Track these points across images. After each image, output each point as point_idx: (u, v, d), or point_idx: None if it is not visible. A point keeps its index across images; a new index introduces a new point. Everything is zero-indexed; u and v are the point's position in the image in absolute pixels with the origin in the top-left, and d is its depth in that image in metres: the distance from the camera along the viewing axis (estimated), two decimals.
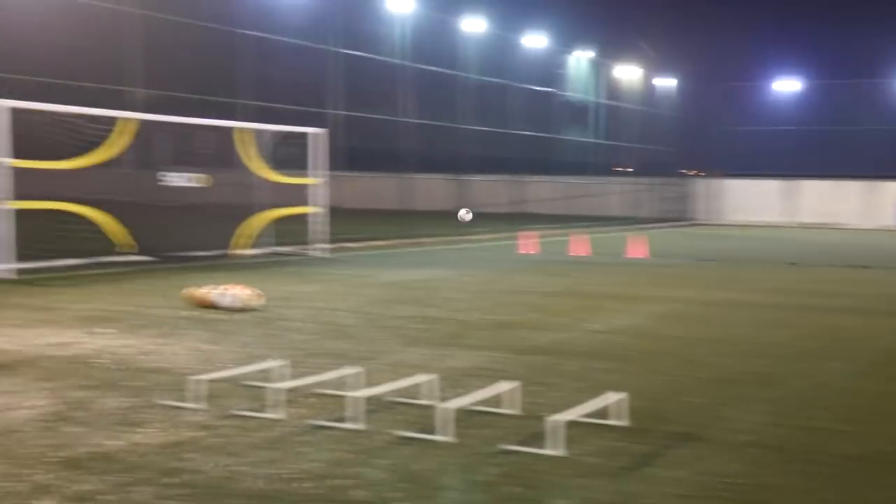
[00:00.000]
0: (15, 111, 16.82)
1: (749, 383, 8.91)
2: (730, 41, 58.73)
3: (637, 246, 25.46)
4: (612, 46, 45.56)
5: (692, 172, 49.50)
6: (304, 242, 23.34)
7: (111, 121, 18.75)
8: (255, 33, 24.51)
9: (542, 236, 29.19)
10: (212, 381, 7.84)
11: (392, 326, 11.95)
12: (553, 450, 6.36)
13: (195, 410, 7.35)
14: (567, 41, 40.52)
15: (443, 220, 32.10)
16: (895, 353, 10.95)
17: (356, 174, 29.94)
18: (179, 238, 20.50)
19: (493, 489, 5.69)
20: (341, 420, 7.09)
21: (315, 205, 23.12)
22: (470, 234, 31.34)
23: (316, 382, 8.05)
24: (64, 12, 19.92)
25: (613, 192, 43.78)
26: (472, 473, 5.97)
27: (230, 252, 21.30)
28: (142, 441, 6.53)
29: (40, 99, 18.07)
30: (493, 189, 38.35)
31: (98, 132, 18.38)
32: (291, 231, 23.31)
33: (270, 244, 22.99)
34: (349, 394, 7.39)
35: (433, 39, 31.46)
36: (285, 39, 26.16)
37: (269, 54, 25.03)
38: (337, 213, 25.03)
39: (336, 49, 27.13)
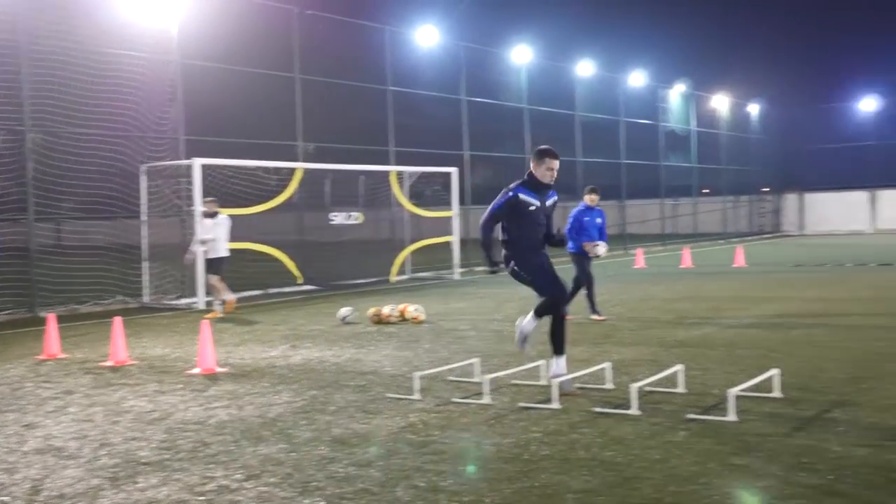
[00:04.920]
0: (205, 167, 18.03)
1: (878, 361, 9.28)
2: (814, 67, 58.24)
3: (739, 256, 25.62)
4: (706, 78, 45.95)
5: (768, 189, 49.34)
6: (438, 268, 24.24)
7: (283, 171, 19.97)
8: (399, 89, 25.52)
9: (646, 252, 29.50)
10: (426, 376, 8.61)
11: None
12: (731, 416, 6.90)
13: (417, 400, 8.06)
14: (666, 77, 41.03)
15: None
16: None
17: (480, 207, 30.69)
18: (343, 269, 21.55)
19: (689, 447, 6.24)
20: (542, 402, 7.74)
21: (452, 235, 24.02)
22: None
23: (511, 374, 8.76)
24: (243, 80, 21.25)
25: (708, 210, 43.78)
26: (668, 436, 6.54)
27: (389, 279, 22.36)
28: (385, 424, 7.23)
29: (227, 157, 19.31)
30: None
31: (274, 181, 19.60)
32: (423, 259, 24.28)
33: (412, 271, 23.98)
34: (550, 381, 8.06)
35: (549, 83, 32.23)
36: (424, 92, 27.20)
37: (410, 105, 26.10)
38: (464, 242, 25.88)
39: (465, 98, 28.02)
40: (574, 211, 13.77)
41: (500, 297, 18.15)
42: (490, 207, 8.37)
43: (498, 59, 30.66)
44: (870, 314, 13.40)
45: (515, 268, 8.35)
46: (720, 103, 45.43)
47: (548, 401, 7.69)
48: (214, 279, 16.03)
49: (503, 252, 8.44)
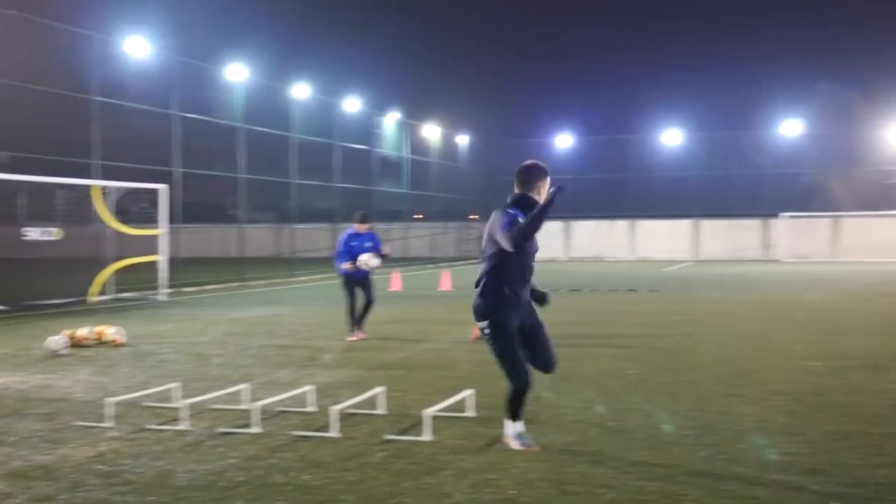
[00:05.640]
0: None
1: (565, 380, 9.93)
2: (518, 103, 62.00)
3: (445, 280, 26.59)
4: (419, 108, 47.47)
5: (477, 217, 51.74)
6: (143, 288, 23.25)
7: None
8: (104, 99, 24.15)
9: None
10: (121, 402, 8.19)
11: (255, 354, 12.39)
12: (426, 436, 7.12)
13: (109, 428, 7.65)
14: (380, 104, 41.98)
15: (270, 264, 32.41)
16: (664, 349, 12.24)
17: (190, 226, 29.82)
18: (37, 287, 20.08)
19: (385, 467, 6.36)
20: (242, 427, 7.60)
21: (158, 254, 23.14)
22: (295, 276, 31.71)
23: (212, 398, 8.52)
24: None
25: (419, 236, 45.17)
26: (365, 457, 6.63)
27: (88, 298, 21.06)
28: (72, 454, 6.80)
29: None
30: (314, 236, 38.93)
31: None
32: (127, 279, 23.22)
33: (115, 291, 22.78)
34: (250, 405, 7.93)
35: (265, 103, 31.94)
36: (132, 105, 25.97)
37: (118, 117, 24.81)
38: (173, 262, 25.10)
39: (177, 113, 27.09)
40: (341, 236, 14.00)
41: (208, 318, 17.69)
42: (502, 226, 6.52)
43: (213, 76, 30.02)
44: (556, 337, 14.30)
45: (487, 331, 6.63)
46: (432, 132, 47.19)
47: (247, 426, 7.56)
48: None
49: (478, 301, 6.68)
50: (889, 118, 47.36)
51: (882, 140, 48.00)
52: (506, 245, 6.44)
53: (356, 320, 13.92)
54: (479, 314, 6.65)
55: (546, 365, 6.91)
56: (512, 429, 6.82)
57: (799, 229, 45.91)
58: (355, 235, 13.86)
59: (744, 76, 61.84)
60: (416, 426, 7.51)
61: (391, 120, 42.74)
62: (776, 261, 44.88)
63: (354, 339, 13.65)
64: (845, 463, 6.36)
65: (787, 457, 6.54)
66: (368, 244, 13.88)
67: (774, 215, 46.33)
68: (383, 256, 13.90)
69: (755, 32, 67.82)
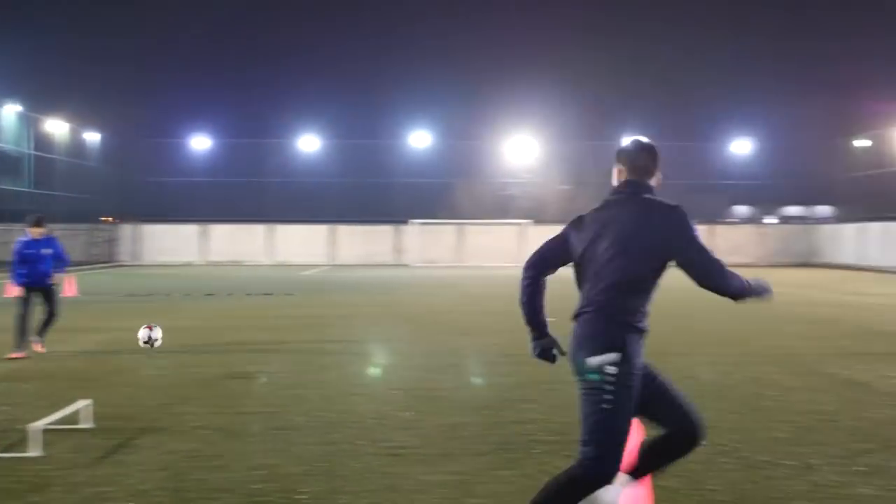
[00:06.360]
0: None
1: (188, 387, 9.73)
2: (152, 101, 59.57)
3: (69, 285, 24.97)
4: (42, 101, 43.91)
5: (111, 219, 49.25)
6: None
7: None
8: None
9: None
10: None
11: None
12: (34, 452, 6.64)
13: None
14: None
15: None
16: (295, 352, 12.41)
17: None
18: None
19: None
20: None
21: None
22: None
23: None
24: None
25: None
26: None
27: None
28: None
29: None
30: None
31: None
32: None
33: None
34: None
35: None
36: None
37: None
38: None
39: None
40: (16, 244, 12.41)
41: None
42: (694, 230, 4.43)
43: None
44: (188, 344, 13.96)
45: (612, 370, 4.27)
46: (57, 127, 44.13)
47: None
48: None
49: (602, 322, 4.37)
50: (506, 134, 51.63)
51: (500, 153, 52.23)
52: (715, 265, 4.37)
53: (35, 331, 12.48)
54: (604, 344, 4.32)
55: (693, 421, 4.51)
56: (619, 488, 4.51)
57: (427, 235, 48.56)
58: (31, 242, 12.44)
59: (376, 87, 64.35)
60: (23, 441, 6.98)
61: (10, 112, 39.39)
62: (406, 265, 47.14)
63: (21, 355, 12.13)
64: (453, 452, 6.83)
65: (401, 449, 6.90)
66: (47, 251, 12.50)
67: (405, 222, 48.63)
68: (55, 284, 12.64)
69: (387, 46, 70.84)
